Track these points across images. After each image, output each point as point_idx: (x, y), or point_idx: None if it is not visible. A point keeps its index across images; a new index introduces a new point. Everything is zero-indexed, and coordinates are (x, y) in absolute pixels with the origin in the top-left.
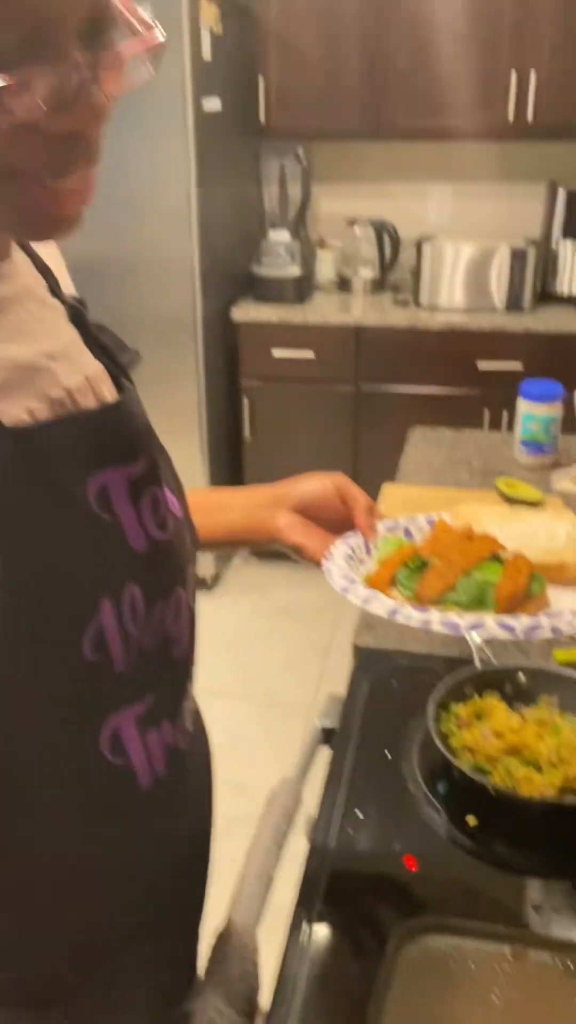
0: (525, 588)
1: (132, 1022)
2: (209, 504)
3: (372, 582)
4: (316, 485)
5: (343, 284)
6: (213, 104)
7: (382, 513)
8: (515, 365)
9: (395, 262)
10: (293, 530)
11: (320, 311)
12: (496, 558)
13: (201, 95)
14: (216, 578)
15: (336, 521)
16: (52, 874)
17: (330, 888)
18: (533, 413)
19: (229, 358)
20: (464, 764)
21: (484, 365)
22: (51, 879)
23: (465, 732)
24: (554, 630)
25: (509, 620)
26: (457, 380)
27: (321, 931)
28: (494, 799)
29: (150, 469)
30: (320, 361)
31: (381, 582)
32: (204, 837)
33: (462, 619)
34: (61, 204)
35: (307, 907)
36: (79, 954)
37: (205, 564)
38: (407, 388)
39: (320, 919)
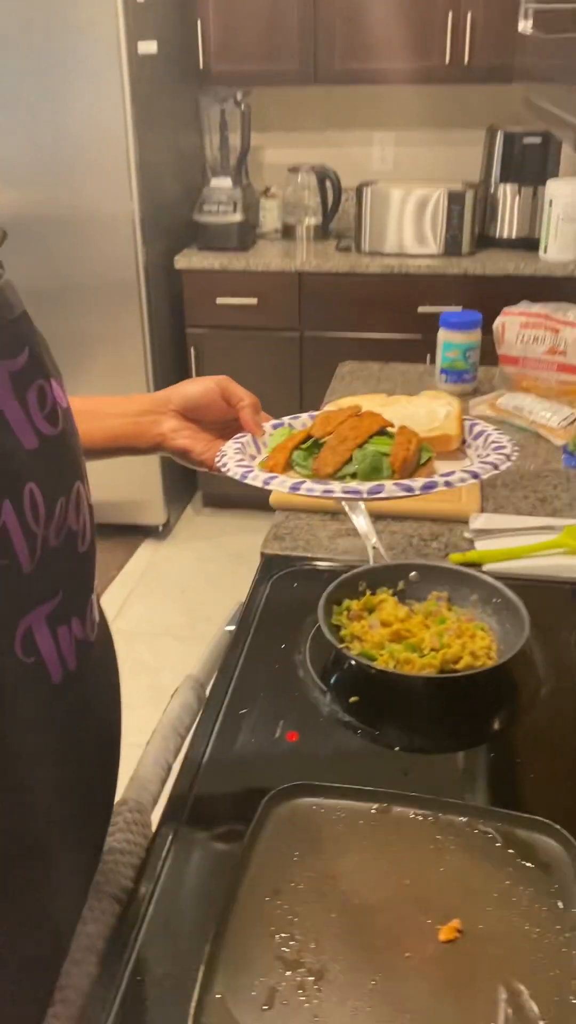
0: (416, 455)
1: (61, 907)
2: (86, 410)
3: (268, 466)
4: (198, 388)
5: (287, 232)
6: (149, 47)
7: (266, 414)
8: (455, 309)
9: (337, 209)
10: (178, 434)
11: (263, 258)
12: (384, 432)
13: (136, 38)
14: (168, 526)
15: (221, 422)
16: None
17: (211, 758)
18: (452, 341)
19: (174, 306)
20: (351, 650)
21: (425, 309)
22: None
23: (355, 623)
24: (447, 484)
25: (406, 481)
26: (399, 324)
27: (199, 796)
28: (376, 680)
29: (33, 362)
30: (264, 308)
31: (277, 466)
32: (115, 725)
33: (363, 485)
34: None
35: (189, 775)
36: (6, 848)
37: (156, 512)
38: (351, 333)
39: (199, 785)
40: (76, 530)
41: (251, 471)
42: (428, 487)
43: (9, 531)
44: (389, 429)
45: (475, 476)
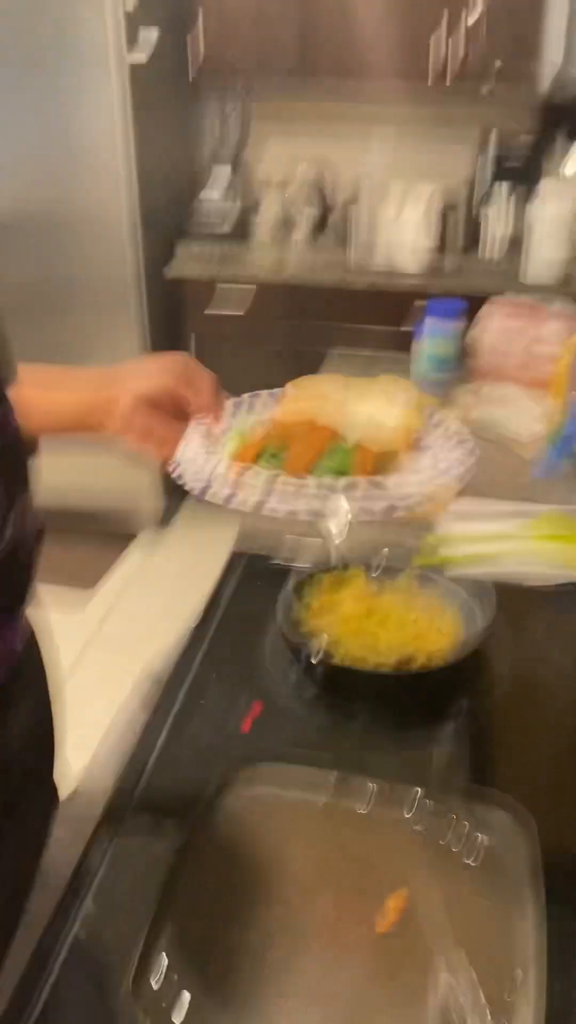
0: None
1: None
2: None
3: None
4: (155, 381)
5: (282, 233)
6: (143, 49)
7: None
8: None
9: (332, 210)
10: (130, 431)
11: (258, 259)
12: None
13: (132, 38)
14: (164, 522)
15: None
16: None
17: (164, 748)
18: (438, 329)
19: (168, 310)
20: (311, 645)
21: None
22: None
23: (317, 618)
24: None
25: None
26: (389, 337)
27: (149, 785)
28: (335, 674)
29: None
30: (257, 311)
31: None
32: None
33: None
34: None
35: (140, 764)
36: None
37: (153, 508)
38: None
39: (150, 774)
40: (19, 540)
41: (210, 487)
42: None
43: None
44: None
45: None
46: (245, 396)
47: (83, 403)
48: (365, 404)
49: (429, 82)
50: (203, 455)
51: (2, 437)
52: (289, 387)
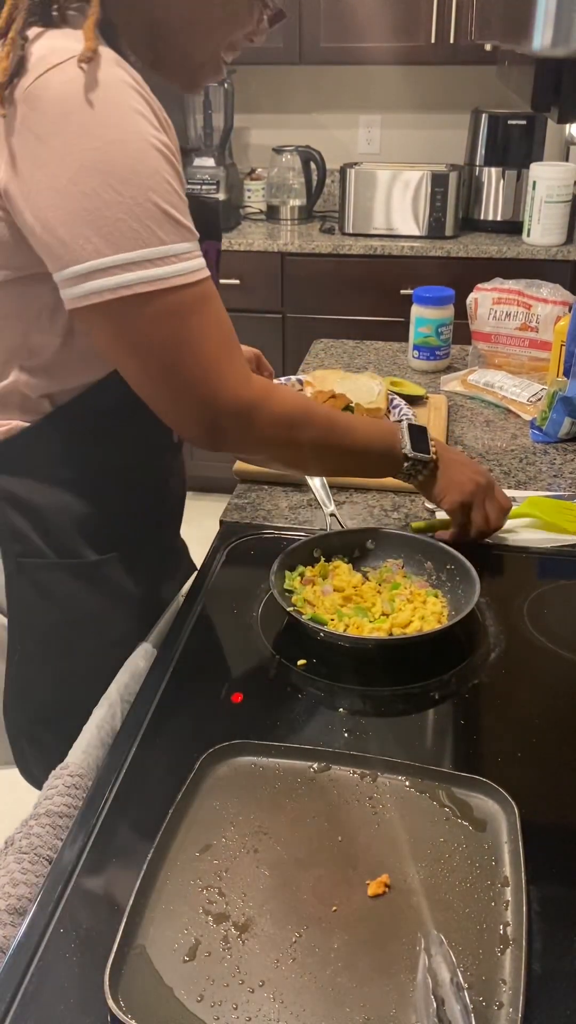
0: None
1: None
2: None
3: None
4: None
5: (271, 213)
6: None
7: None
8: None
9: (322, 191)
10: None
11: (246, 239)
12: (348, 408)
13: None
14: None
15: None
16: None
17: (153, 719)
18: (424, 317)
19: None
20: (302, 614)
21: (407, 291)
22: None
23: (307, 588)
24: None
25: None
26: (382, 306)
27: (138, 755)
28: (325, 644)
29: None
30: (247, 288)
31: None
32: None
33: None
34: (215, 77)
35: (130, 735)
36: None
37: None
38: (333, 316)
39: (140, 746)
40: None
41: None
42: None
43: None
44: (351, 404)
45: None
46: (281, 379)
47: None
48: (358, 380)
49: (432, 39)
50: None
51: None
52: (307, 376)
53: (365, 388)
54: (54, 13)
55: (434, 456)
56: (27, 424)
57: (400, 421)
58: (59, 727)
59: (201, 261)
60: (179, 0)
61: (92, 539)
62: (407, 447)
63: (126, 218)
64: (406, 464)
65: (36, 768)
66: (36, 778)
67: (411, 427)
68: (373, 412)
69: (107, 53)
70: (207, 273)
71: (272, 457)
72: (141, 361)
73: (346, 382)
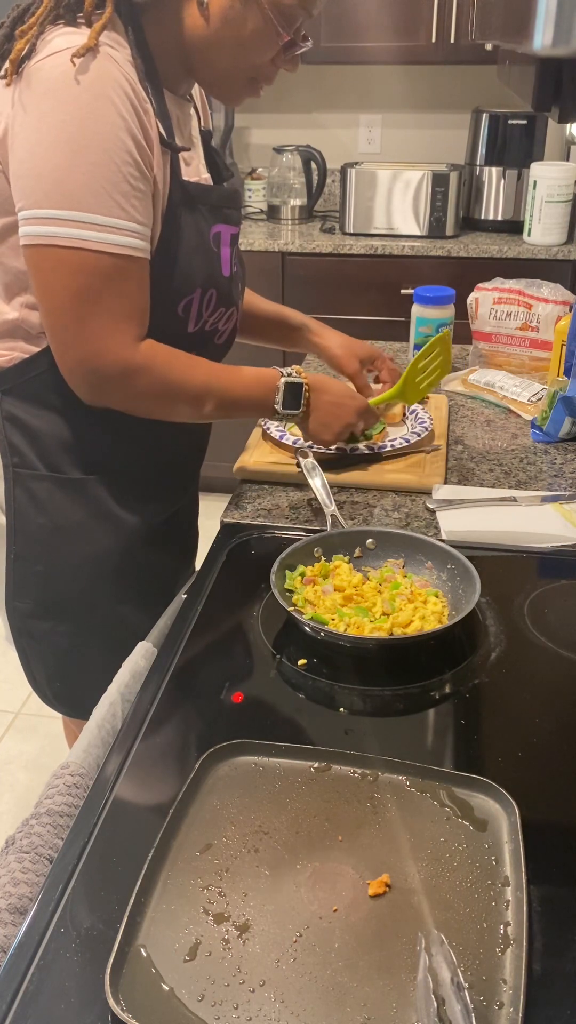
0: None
1: None
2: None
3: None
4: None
5: (272, 213)
6: None
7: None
8: None
9: (322, 190)
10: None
11: (247, 238)
12: None
13: None
14: None
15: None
16: None
17: (154, 718)
18: (425, 316)
19: None
20: (303, 614)
21: (408, 291)
22: None
23: (308, 588)
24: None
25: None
26: (383, 306)
27: (139, 755)
28: (326, 644)
29: (239, 234)
30: (248, 287)
31: None
32: None
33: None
34: (249, 93)
35: (131, 735)
36: None
37: None
38: (334, 315)
39: (140, 745)
40: (220, 330)
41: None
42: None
43: (192, 304)
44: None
45: (406, 441)
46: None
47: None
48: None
49: (433, 39)
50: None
51: None
52: None
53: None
54: (80, 19)
55: (303, 412)
56: (28, 355)
57: (282, 376)
58: (48, 626)
59: (130, 241)
60: (201, 23)
61: (78, 459)
62: (279, 404)
63: (72, 184)
64: (277, 416)
65: (35, 666)
66: (37, 682)
67: (288, 384)
68: (389, 418)
69: (107, 52)
70: (134, 254)
71: (151, 415)
72: (47, 307)
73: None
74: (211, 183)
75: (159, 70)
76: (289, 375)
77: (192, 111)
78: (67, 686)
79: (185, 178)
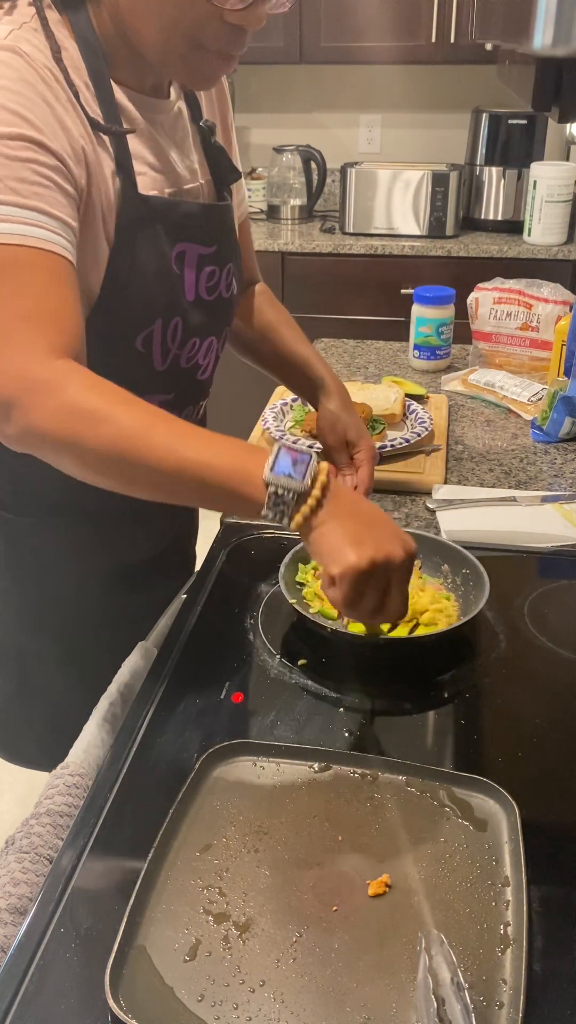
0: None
1: None
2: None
3: (305, 430)
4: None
5: (272, 213)
6: None
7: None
8: None
9: (322, 190)
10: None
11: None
12: (375, 421)
13: None
14: None
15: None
16: None
17: (154, 718)
18: (424, 316)
19: None
20: (310, 608)
21: (408, 291)
22: None
23: (320, 582)
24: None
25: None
26: (382, 306)
27: (139, 755)
28: (328, 642)
29: (217, 254)
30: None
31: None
32: None
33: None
34: (218, 70)
35: (130, 735)
36: None
37: None
38: (334, 315)
39: (140, 745)
40: (200, 364)
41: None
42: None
43: (153, 337)
44: (376, 417)
45: (406, 441)
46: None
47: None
48: (376, 389)
49: (433, 39)
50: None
51: None
52: None
53: (383, 397)
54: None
55: (309, 485)
56: None
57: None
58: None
59: (32, 231)
60: None
61: (31, 500)
62: (266, 472)
63: None
64: (269, 490)
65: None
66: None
67: (287, 448)
68: (388, 416)
69: (12, 46)
70: (40, 245)
71: (59, 461)
72: None
73: (364, 392)
74: (212, 189)
75: (112, 61)
76: (295, 442)
77: (178, 108)
78: (9, 732)
79: (143, 191)
